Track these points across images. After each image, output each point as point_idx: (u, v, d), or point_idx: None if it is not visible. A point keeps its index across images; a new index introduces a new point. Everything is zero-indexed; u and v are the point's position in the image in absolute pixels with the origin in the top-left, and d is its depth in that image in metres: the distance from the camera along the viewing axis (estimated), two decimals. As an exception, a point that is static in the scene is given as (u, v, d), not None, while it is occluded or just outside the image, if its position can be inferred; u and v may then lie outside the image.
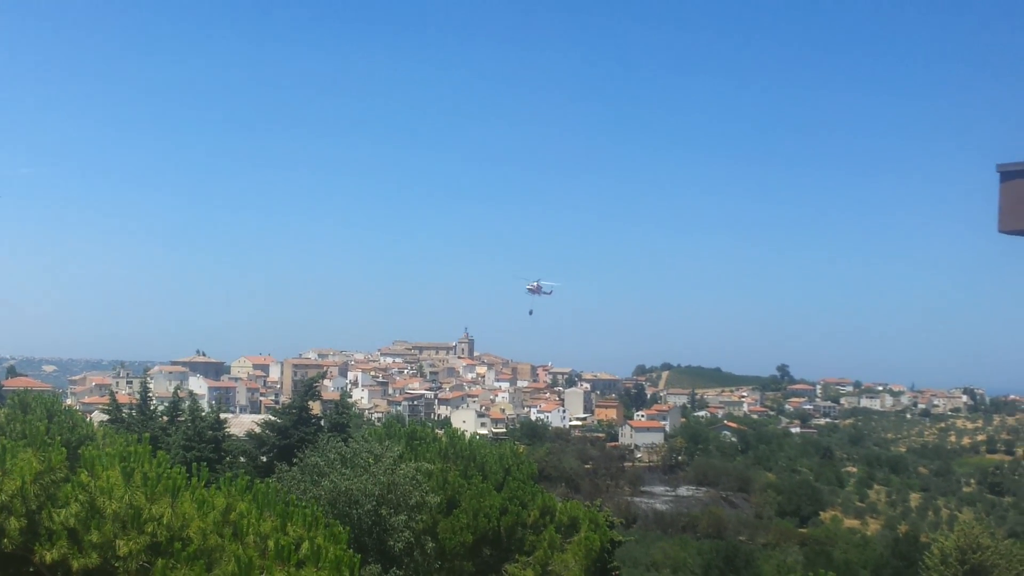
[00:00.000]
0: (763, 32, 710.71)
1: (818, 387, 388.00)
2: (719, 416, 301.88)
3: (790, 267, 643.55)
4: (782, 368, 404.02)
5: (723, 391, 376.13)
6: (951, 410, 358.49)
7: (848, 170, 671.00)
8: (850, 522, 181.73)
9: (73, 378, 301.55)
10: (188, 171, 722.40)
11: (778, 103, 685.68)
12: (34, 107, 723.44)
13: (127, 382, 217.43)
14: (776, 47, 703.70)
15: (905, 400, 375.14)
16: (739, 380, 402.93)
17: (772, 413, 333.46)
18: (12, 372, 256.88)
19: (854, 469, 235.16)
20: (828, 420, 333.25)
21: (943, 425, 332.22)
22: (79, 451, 25.96)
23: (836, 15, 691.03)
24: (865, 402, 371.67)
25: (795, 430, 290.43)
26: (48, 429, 29.85)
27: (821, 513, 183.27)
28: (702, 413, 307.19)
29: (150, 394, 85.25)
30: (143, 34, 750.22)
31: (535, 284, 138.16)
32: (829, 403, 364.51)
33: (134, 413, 79.94)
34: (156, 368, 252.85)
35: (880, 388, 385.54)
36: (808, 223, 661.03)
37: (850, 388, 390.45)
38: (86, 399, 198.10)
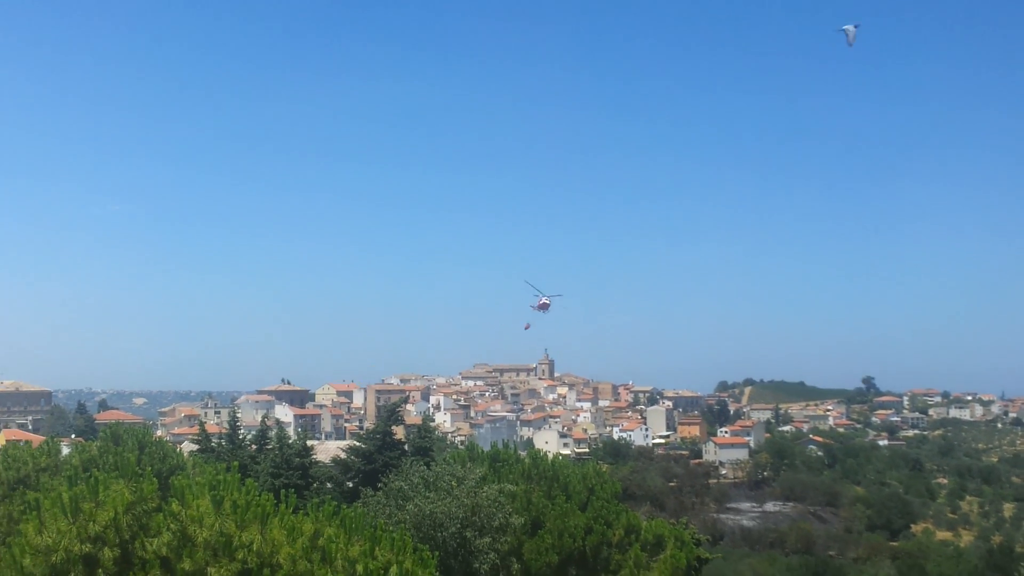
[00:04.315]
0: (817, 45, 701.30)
1: (905, 399, 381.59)
2: (804, 431, 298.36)
3: (874, 278, 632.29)
4: (867, 380, 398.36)
5: (807, 405, 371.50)
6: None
7: (935, 178, 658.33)
8: (942, 534, 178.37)
9: (163, 410, 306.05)
10: (274, 208, 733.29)
11: (837, 115, 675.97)
12: (122, 147, 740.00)
13: (215, 412, 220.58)
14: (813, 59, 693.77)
15: (996, 409, 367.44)
16: (823, 394, 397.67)
17: (859, 426, 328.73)
18: (104, 406, 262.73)
19: (945, 481, 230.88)
20: (916, 432, 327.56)
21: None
22: (170, 481, 26.57)
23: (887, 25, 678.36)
24: (954, 412, 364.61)
25: (883, 443, 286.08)
26: (139, 460, 30.59)
27: (912, 526, 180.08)
28: (787, 428, 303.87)
29: (238, 423, 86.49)
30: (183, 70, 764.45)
31: (546, 300, 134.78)
32: (917, 414, 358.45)
33: (223, 442, 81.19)
34: (243, 398, 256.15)
35: (969, 398, 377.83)
36: (892, 234, 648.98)
37: (938, 399, 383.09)
38: (176, 430, 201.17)
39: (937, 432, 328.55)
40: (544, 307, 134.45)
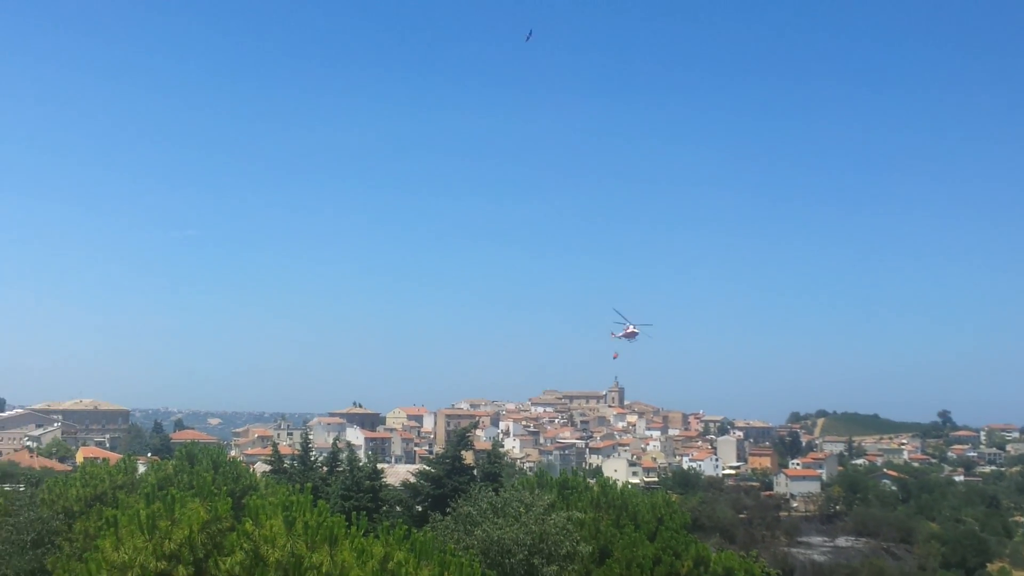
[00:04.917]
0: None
1: (982, 433, 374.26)
2: (878, 464, 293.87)
3: (950, 310, 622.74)
4: (943, 414, 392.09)
5: (881, 438, 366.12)
6: None
7: (1010, 216, 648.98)
8: (1019, 573, 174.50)
9: (237, 430, 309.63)
10: (350, 237, 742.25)
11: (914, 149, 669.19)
12: (197, 177, 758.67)
13: (288, 434, 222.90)
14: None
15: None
16: (898, 427, 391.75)
17: (934, 461, 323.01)
18: (180, 425, 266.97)
19: (1022, 518, 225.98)
20: (993, 468, 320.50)
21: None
22: (243, 501, 27.03)
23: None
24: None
25: (959, 478, 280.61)
26: (214, 480, 31.11)
27: (988, 564, 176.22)
28: (860, 461, 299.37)
29: (310, 445, 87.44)
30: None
31: (633, 328, 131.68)
32: (994, 450, 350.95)
33: (295, 463, 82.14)
34: (315, 420, 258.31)
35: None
36: (969, 266, 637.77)
37: (1016, 434, 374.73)
38: (249, 451, 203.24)
39: (1015, 468, 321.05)
40: (631, 335, 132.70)
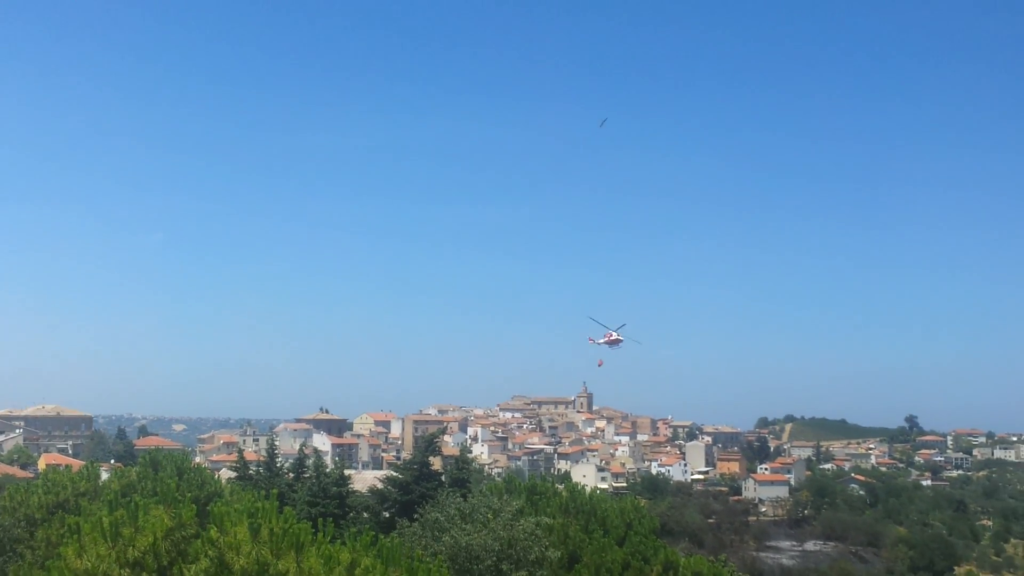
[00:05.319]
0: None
1: (949, 438, 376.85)
2: (846, 469, 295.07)
3: (916, 315, 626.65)
4: (911, 419, 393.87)
5: (849, 443, 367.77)
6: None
7: (980, 222, 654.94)
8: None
9: (202, 436, 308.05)
10: (316, 241, 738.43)
11: (890, 162, 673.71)
12: (164, 180, 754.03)
13: (254, 440, 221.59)
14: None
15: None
16: (866, 432, 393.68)
17: (901, 465, 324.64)
18: (144, 431, 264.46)
19: (989, 522, 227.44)
20: (960, 472, 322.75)
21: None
22: (208, 507, 26.64)
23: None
24: (999, 453, 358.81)
25: (926, 483, 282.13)
26: (178, 486, 30.70)
27: (956, 568, 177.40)
28: (828, 466, 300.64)
29: (276, 451, 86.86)
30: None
31: (613, 335, 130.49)
32: (961, 455, 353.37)
33: (261, 470, 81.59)
34: (281, 426, 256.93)
35: (1015, 439, 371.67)
36: (937, 273, 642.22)
37: (983, 439, 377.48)
38: (214, 457, 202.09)
39: (981, 473, 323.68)
40: (615, 343, 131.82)
